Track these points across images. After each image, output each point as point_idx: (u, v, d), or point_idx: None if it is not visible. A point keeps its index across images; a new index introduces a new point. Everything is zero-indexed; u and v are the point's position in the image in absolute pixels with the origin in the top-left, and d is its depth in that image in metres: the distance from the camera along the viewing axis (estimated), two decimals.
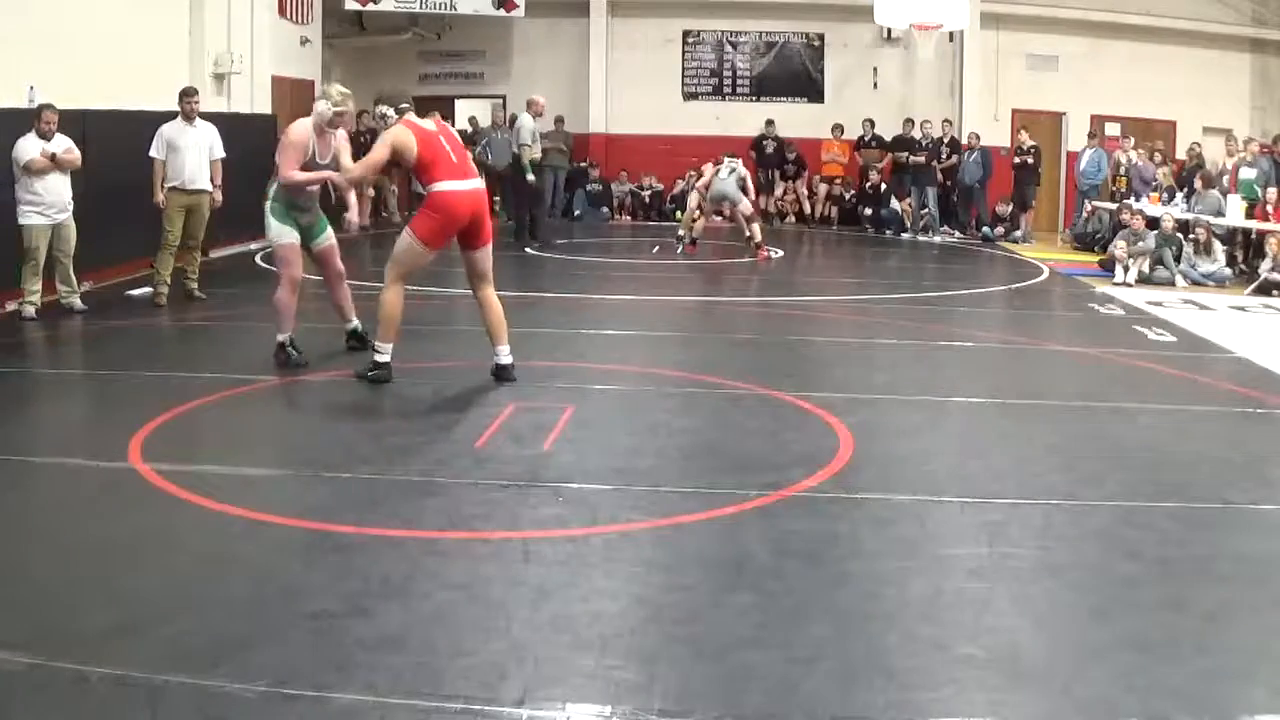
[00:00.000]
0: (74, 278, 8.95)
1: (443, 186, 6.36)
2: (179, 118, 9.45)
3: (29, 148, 8.53)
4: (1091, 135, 17.21)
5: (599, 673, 3.19)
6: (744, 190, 13.89)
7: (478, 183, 6.62)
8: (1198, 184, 14.09)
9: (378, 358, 6.58)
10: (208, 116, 9.92)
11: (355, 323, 7.58)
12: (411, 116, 6.57)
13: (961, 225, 17.25)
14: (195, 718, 2.92)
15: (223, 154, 9.64)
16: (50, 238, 8.66)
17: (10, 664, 3.14)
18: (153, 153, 9.36)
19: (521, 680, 3.13)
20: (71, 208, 8.76)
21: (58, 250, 8.73)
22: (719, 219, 15.05)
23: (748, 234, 13.95)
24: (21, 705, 2.97)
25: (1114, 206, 15.15)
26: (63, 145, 8.68)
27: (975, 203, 17.15)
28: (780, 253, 13.77)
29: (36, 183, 8.52)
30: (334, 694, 3.02)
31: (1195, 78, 17.94)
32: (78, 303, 8.90)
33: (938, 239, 16.82)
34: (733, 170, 13.94)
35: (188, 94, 9.62)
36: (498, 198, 18.35)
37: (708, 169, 14.29)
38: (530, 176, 14.58)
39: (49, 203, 8.59)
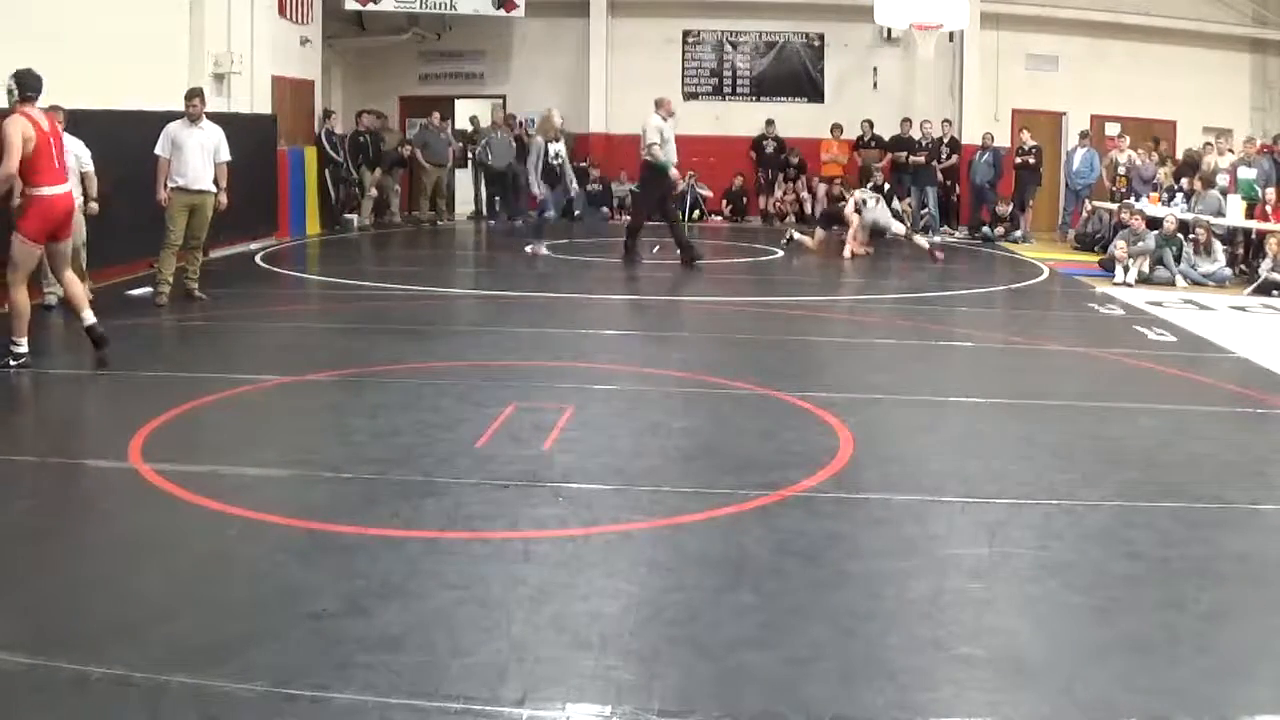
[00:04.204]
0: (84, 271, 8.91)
1: (44, 191, 6.82)
2: (185, 117, 9.46)
3: None
4: (1083, 135, 17.22)
5: (599, 673, 3.19)
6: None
7: (69, 185, 7.17)
8: (1196, 184, 14.07)
9: (16, 349, 6.83)
10: (209, 117, 9.91)
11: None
12: (29, 108, 6.76)
13: (974, 225, 17.24)
14: (195, 718, 2.92)
15: (228, 157, 9.64)
16: None
17: (10, 664, 3.13)
18: (158, 150, 9.39)
19: (521, 680, 3.13)
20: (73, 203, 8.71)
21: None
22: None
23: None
24: (21, 705, 2.97)
25: (1114, 206, 15.15)
26: (76, 148, 8.63)
27: (986, 202, 17.16)
28: (943, 256, 13.97)
29: None
30: (334, 694, 3.02)
31: (1195, 78, 17.95)
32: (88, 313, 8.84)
33: (938, 239, 16.81)
34: (878, 201, 14.59)
35: (190, 95, 9.62)
36: (497, 197, 18.35)
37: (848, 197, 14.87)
38: (674, 174, 13.09)
39: None
